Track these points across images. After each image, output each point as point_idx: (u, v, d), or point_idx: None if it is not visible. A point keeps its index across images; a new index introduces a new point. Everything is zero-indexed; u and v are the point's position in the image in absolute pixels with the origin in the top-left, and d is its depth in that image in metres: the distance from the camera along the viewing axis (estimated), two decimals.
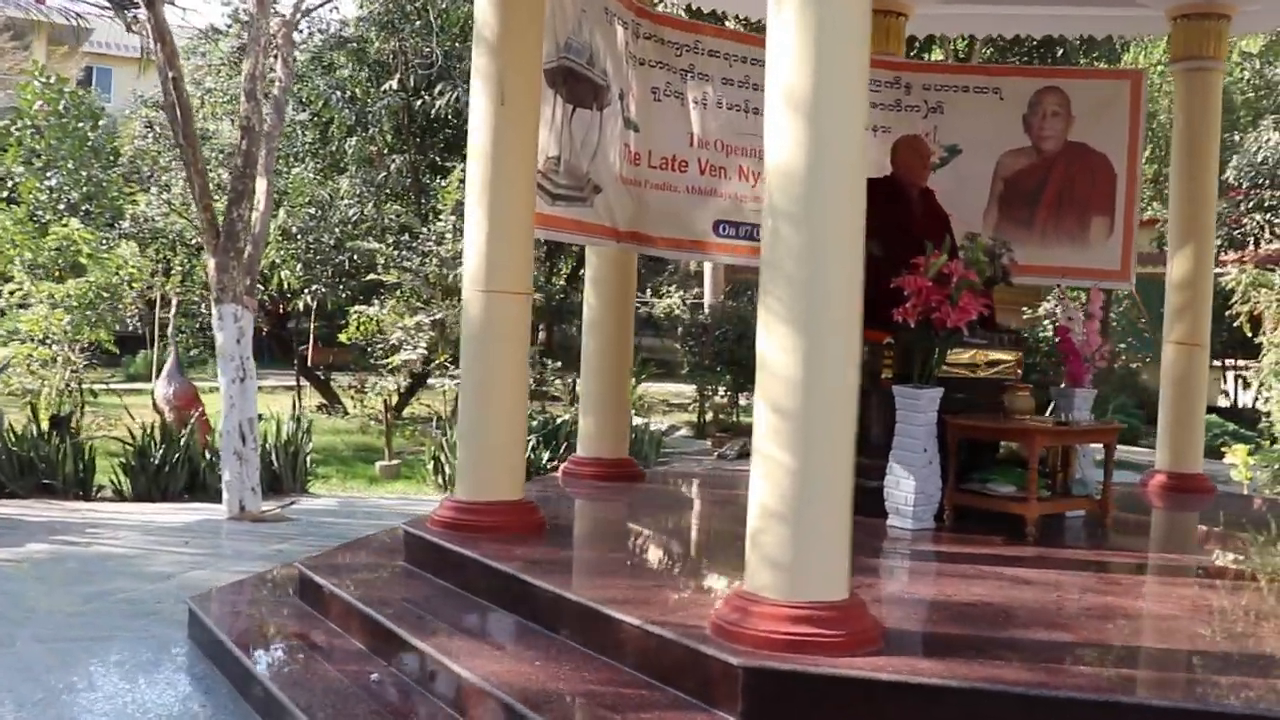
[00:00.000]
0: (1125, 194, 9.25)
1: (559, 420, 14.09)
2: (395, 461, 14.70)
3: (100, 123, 16.54)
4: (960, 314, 6.77)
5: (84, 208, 15.62)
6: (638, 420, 16.50)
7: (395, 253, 14.41)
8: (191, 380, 15.31)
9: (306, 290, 15.71)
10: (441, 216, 14.11)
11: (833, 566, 4.31)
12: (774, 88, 4.31)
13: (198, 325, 17.98)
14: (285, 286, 15.68)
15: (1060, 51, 18.26)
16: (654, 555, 6.37)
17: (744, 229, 8.72)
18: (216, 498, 12.30)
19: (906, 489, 6.87)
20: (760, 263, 4.43)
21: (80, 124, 16.29)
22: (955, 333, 6.84)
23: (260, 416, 18.86)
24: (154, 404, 15.01)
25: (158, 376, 18.23)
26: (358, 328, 19.92)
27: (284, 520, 9.90)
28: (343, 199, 15.90)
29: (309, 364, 19.82)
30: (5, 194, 15.91)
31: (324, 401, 19.66)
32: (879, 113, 9.30)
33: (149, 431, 12.47)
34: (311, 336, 19.69)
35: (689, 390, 24.87)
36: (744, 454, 17.02)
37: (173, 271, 15.68)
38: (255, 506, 10.02)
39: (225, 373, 10.12)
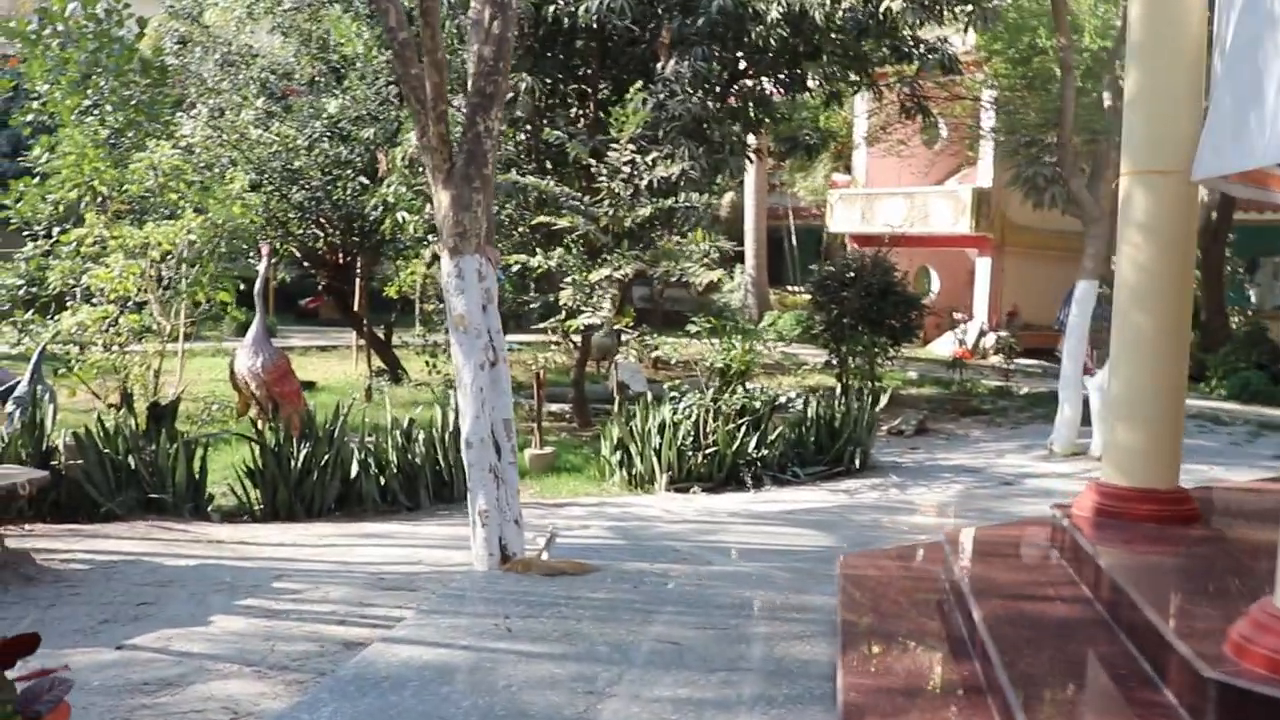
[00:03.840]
0: None
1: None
2: (549, 450, 11.41)
3: (144, 29, 12.74)
4: None
5: (128, 135, 11.88)
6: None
7: (559, 190, 10.99)
8: (283, 350, 11.82)
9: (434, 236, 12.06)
10: (615, 145, 10.75)
11: None
12: None
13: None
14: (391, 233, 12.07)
15: None
16: None
17: None
18: (379, 513, 9.01)
19: None
20: None
21: (120, 32, 12.52)
22: None
23: (312, 385, 15.54)
24: (232, 379, 11.52)
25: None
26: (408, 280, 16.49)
27: (586, 571, 6.58)
28: None
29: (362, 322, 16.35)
30: (34, 114, 12.12)
31: (383, 366, 16.12)
32: None
33: (279, 425, 9.09)
34: (358, 290, 16.15)
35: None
36: (921, 429, 14.05)
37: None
38: (520, 548, 6.72)
39: (468, 353, 6.77)
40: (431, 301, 17.34)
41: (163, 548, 7.47)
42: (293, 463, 8.70)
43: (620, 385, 13.58)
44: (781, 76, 13.41)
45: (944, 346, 22.43)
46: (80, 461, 8.43)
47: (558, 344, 13.01)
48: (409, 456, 9.25)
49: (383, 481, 9.17)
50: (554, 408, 14.63)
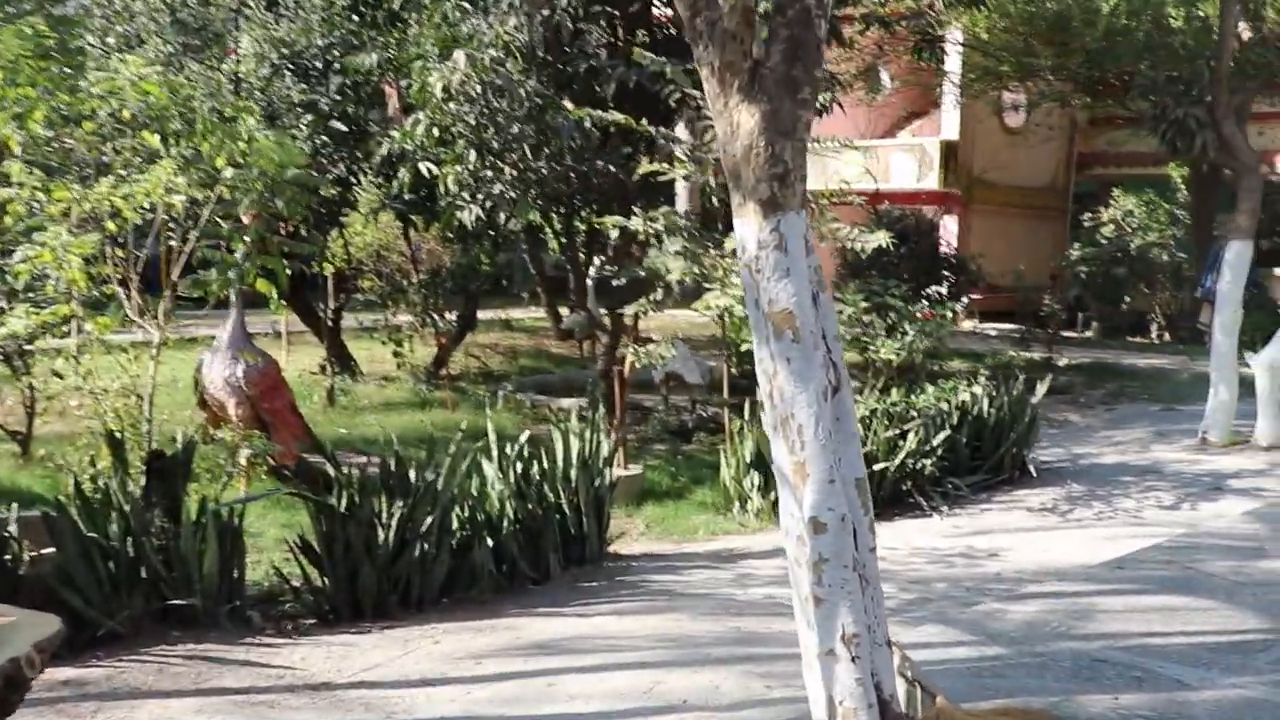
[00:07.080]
0: None
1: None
2: (638, 470, 8.53)
3: None
4: None
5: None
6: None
7: (654, 130, 7.95)
8: (265, 351, 8.52)
9: (475, 202, 8.44)
10: None
11: None
12: None
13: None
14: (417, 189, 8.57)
15: None
16: None
17: None
18: (499, 593, 5.98)
19: None
20: None
21: None
22: None
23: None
24: (197, 393, 8.30)
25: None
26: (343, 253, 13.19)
27: None
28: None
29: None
30: None
31: (329, 358, 12.69)
32: None
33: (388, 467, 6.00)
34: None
35: None
36: None
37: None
38: (894, 687, 3.92)
39: (803, 374, 3.84)
40: (370, 278, 14.06)
41: (244, 711, 4.37)
42: (381, 532, 5.63)
43: (670, 376, 10.77)
44: None
45: None
46: (53, 551, 5.20)
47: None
48: (529, 506, 6.27)
49: (490, 542, 6.16)
50: (566, 403, 11.55)
